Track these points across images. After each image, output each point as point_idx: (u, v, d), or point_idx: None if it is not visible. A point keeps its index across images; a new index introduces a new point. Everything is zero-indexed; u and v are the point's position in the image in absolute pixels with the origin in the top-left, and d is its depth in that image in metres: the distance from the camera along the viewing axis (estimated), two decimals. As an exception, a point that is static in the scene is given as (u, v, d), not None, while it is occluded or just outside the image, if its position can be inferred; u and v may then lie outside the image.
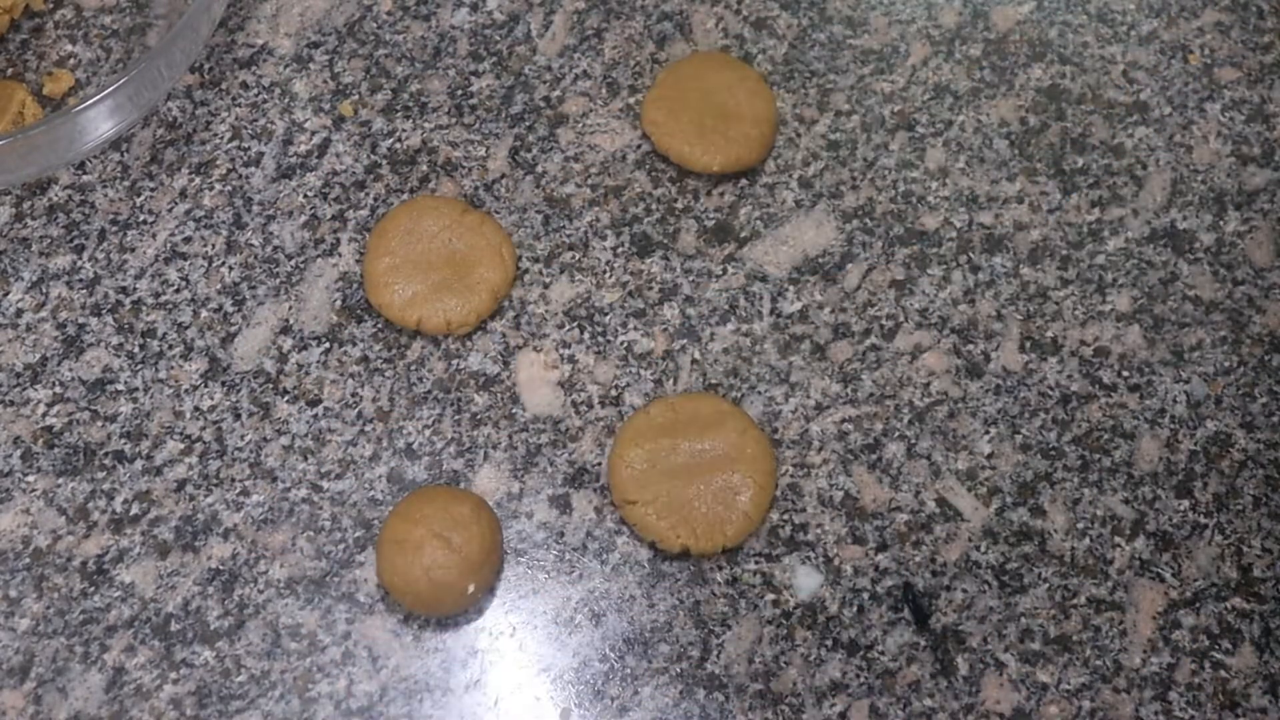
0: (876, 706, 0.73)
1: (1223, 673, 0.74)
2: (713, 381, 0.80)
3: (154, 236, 0.85)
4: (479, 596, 0.74)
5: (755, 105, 0.87)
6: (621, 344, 0.82)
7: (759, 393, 0.80)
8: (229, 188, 0.86)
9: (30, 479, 0.78)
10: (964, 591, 0.75)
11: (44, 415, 0.79)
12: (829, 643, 0.74)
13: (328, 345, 0.82)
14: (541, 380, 0.81)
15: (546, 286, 0.83)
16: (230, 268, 0.84)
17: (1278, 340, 0.82)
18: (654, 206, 0.86)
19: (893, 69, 0.90)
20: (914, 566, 0.76)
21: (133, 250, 0.84)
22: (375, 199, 0.86)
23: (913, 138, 0.88)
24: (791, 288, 0.83)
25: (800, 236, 0.85)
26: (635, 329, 0.82)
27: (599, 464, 0.78)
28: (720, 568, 0.76)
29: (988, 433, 0.80)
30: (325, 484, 0.78)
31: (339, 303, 0.83)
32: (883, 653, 0.74)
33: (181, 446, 0.79)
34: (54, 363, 0.81)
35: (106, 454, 0.78)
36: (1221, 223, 0.86)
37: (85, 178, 0.86)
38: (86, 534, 0.76)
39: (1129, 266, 0.84)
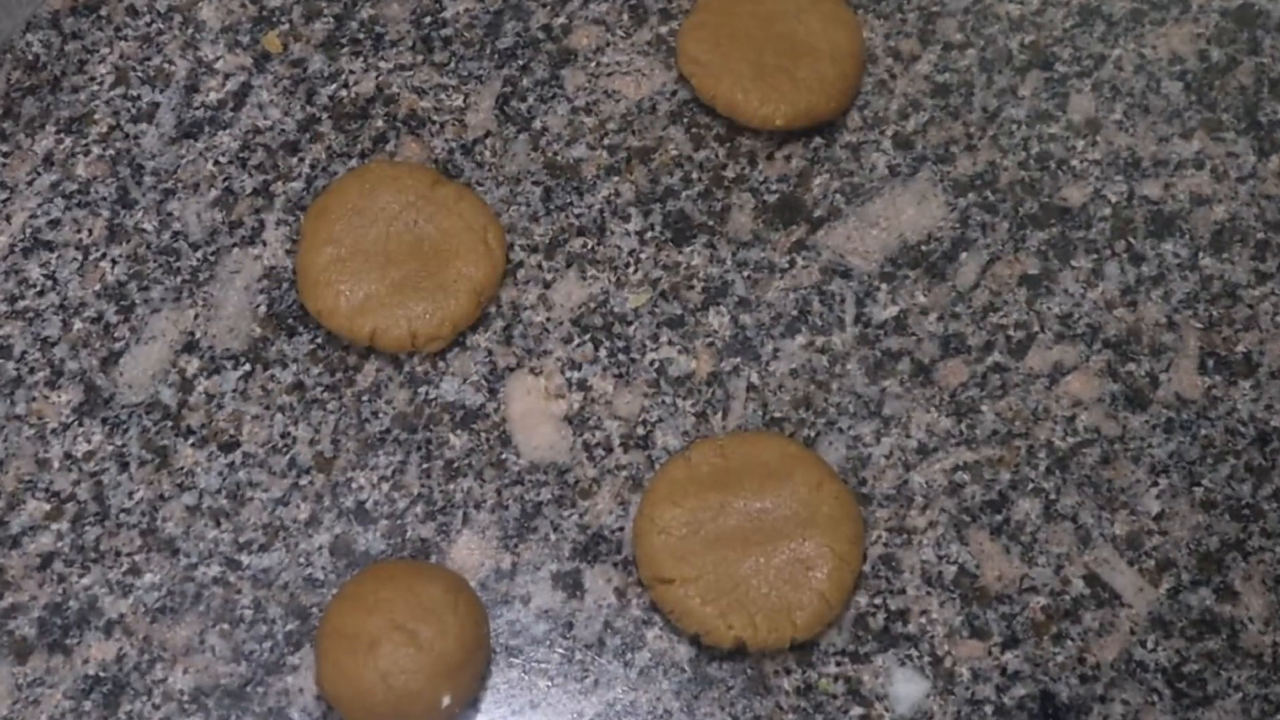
0: None
1: None
2: (776, 415, 0.81)
3: (8, 219, 0.85)
4: (456, 712, 0.74)
5: (833, 36, 0.87)
6: (651, 364, 0.82)
7: (840, 430, 0.81)
8: (111, 152, 0.87)
9: None
10: (1125, 704, 0.76)
11: None
12: (939, 775, 0.75)
13: (248, 368, 0.82)
14: (541, 414, 0.81)
15: (547, 286, 0.84)
16: (114, 262, 0.84)
17: None
18: (695, 175, 0.87)
19: (1021, -15, 0.91)
20: (1055, 670, 0.76)
21: (-20, 238, 0.85)
22: (313, 167, 0.87)
23: (1050, 79, 0.89)
24: (884, 286, 0.84)
25: (896, 216, 0.85)
26: (670, 343, 0.83)
27: (621, 529, 0.79)
28: (788, 671, 0.76)
29: (1156, 485, 0.80)
30: (245, 559, 0.78)
31: (263, 309, 0.83)
32: (1014, 789, 0.75)
33: (47, 508, 0.79)
34: (-127, 392, 0.82)
35: (-55, 517, 0.79)
36: None
37: (-85, 139, 0.88)
38: (-82, 627, 0.77)
39: (1350, 255, 0.85)
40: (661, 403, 0.81)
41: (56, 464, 0.80)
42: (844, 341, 0.82)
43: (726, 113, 0.86)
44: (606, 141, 0.87)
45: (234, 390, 0.81)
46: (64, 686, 0.76)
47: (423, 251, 0.82)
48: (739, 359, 0.82)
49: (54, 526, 0.79)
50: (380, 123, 0.87)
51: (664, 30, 0.90)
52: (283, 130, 0.87)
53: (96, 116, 0.88)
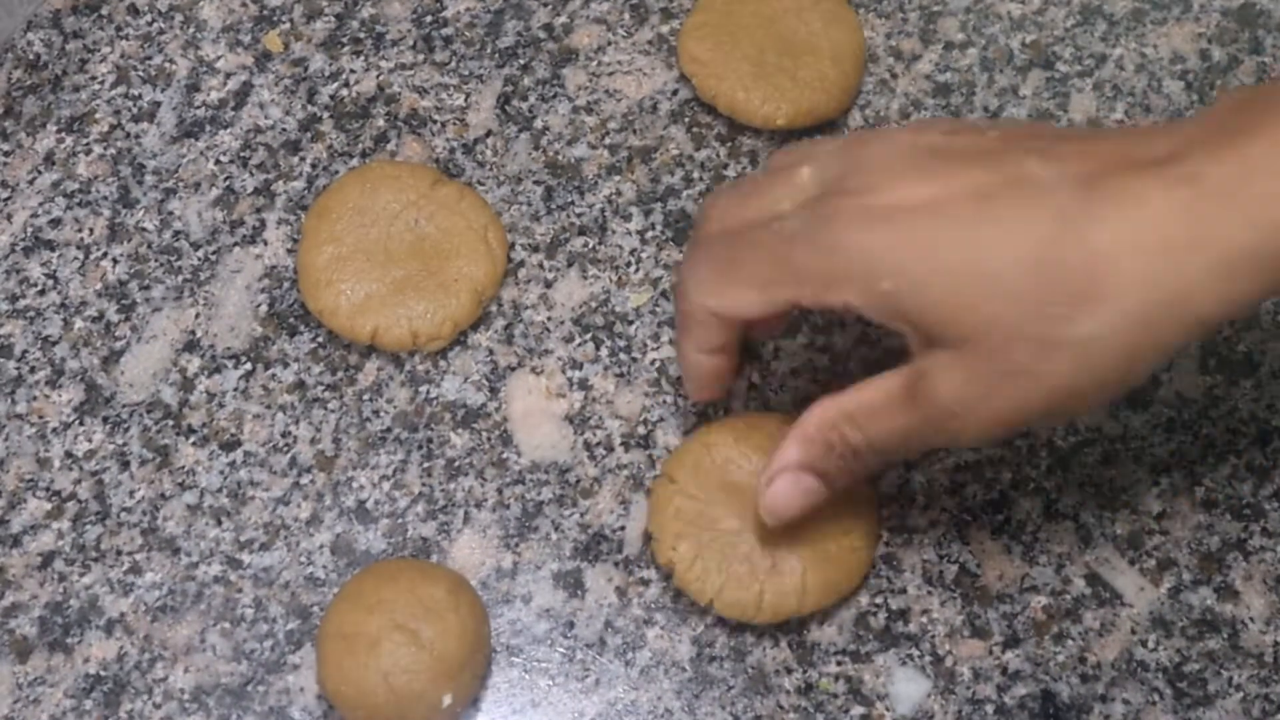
0: None
1: None
2: (777, 412, 0.81)
3: (9, 219, 0.85)
4: (458, 711, 0.74)
5: (835, 35, 0.87)
6: (652, 363, 0.82)
7: (842, 430, 0.81)
8: (113, 151, 0.87)
9: None
10: (1125, 703, 0.76)
11: None
12: (940, 774, 0.75)
13: (249, 367, 0.82)
14: (542, 414, 0.81)
15: (548, 285, 0.84)
16: (115, 261, 0.85)
17: None
18: (696, 175, 0.87)
19: (1023, -16, 0.91)
20: (1056, 669, 0.76)
21: (-19, 237, 0.85)
22: (314, 166, 0.87)
23: (1052, 79, 0.89)
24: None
25: (897, 215, 0.85)
26: (671, 343, 0.83)
27: (622, 528, 0.79)
28: (789, 670, 0.76)
29: (1157, 484, 0.80)
30: (246, 558, 0.78)
31: (264, 308, 0.84)
32: (1015, 788, 0.75)
33: (48, 507, 0.79)
34: (-126, 391, 0.82)
35: (-54, 516, 0.80)
36: None
37: (-84, 138, 0.88)
38: (-81, 626, 0.77)
39: (1351, 255, 0.85)
40: (663, 402, 0.81)
41: (57, 463, 0.80)
42: (844, 341, 0.82)
43: (728, 112, 0.86)
44: (608, 141, 0.87)
45: (235, 389, 0.81)
46: (65, 685, 0.76)
47: (424, 251, 0.82)
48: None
49: (55, 525, 0.79)
50: (381, 122, 0.88)
51: (665, 29, 0.90)
52: (284, 129, 0.87)
53: (98, 115, 0.88)
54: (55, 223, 0.85)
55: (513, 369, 0.82)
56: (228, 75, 0.89)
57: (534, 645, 0.77)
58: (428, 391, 0.81)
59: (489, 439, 0.80)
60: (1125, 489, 0.79)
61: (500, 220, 0.84)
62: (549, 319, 0.83)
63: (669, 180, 0.86)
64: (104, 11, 0.90)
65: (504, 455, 0.80)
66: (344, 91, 0.88)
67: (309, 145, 0.87)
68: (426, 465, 0.80)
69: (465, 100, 0.88)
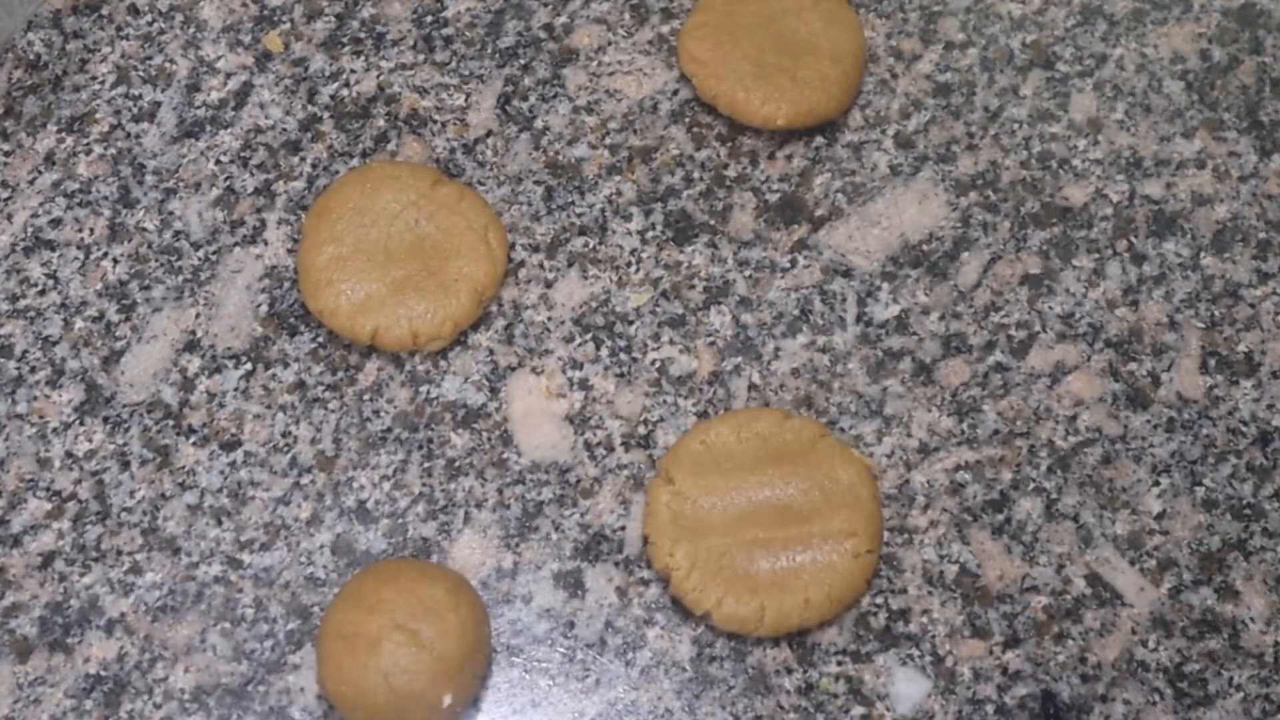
0: None
1: None
2: (777, 409, 0.81)
3: (9, 218, 0.85)
4: (458, 711, 0.74)
5: (835, 35, 0.87)
6: (653, 363, 0.82)
7: (841, 430, 0.81)
8: (113, 151, 0.87)
9: None
10: (1126, 703, 0.76)
11: None
12: (941, 774, 0.75)
13: (249, 367, 0.82)
14: (543, 413, 0.81)
15: (549, 285, 0.84)
16: (115, 261, 0.85)
17: None
18: (697, 175, 0.87)
19: (1023, -16, 0.91)
20: (1056, 669, 0.76)
21: (-18, 237, 0.85)
22: (314, 166, 0.87)
23: (1052, 79, 0.89)
24: (885, 285, 0.84)
25: (897, 215, 0.85)
26: (672, 343, 0.83)
27: (622, 528, 0.79)
28: (789, 670, 0.76)
29: (1157, 484, 0.80)
30: (246, 558, 0.78)
31: (265, 308, 0.84)
32: (1015, 788, 0.75)
33: (48, 507, 0.79)
34: (-125, 391, 0.82)
35: (-53, 516, 0.79)
36: None
37: (-84, 138, 0.88)
38: (-80, 626, 0.77)
39: (1351, 255, 0.85)
40: (663, 402, 0.81)
41: (58, 463, 0.80)
42: (845, 341, 0.82)
43: (728, 112, 0.86)
44: (608, 141, 0.87)
45: (235, 389, 0.81)
46: (65, 685, 0.76)
47: (424, 251, 0.82)
48: (740, 358, 0.82)
49: (55, 525, 0.79)
50: (381, 122, 0.88)
51: (665, 29, 0.90)
52: (284, 129, 0.87)
53: (98, 115, 0.88)
54: (55, 223, 0.85)
55: (513, 369, 0.82)
56: (228, 75, 0.89)
57: (534, 645, 0.76)
58: (428, 391, 0.81)
59: (489, 439, 0.80)
60: (1125, 489, 0.79)
61: (500, 220, 0.84)
62: (549, 319, 0.83)
63: (669, 180, 0.86)
64: (104, 11, 0.90)
65: (504, 455, 0.80)
66: (344, 91, 0.88)
67: (309, 145, 0.87)
68: (427, 465, 0.80)
69: (465, 100, 0.88)
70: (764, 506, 0.77)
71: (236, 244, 0.85)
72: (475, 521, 0.79)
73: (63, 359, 0.82)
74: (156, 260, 0.84)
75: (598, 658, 0.76)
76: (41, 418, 0.81)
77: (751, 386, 0.82)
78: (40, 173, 0.86)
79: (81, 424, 0.81)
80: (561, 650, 0.76)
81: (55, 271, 0.84)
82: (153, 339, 0.82)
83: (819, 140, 0.87)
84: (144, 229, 0.85)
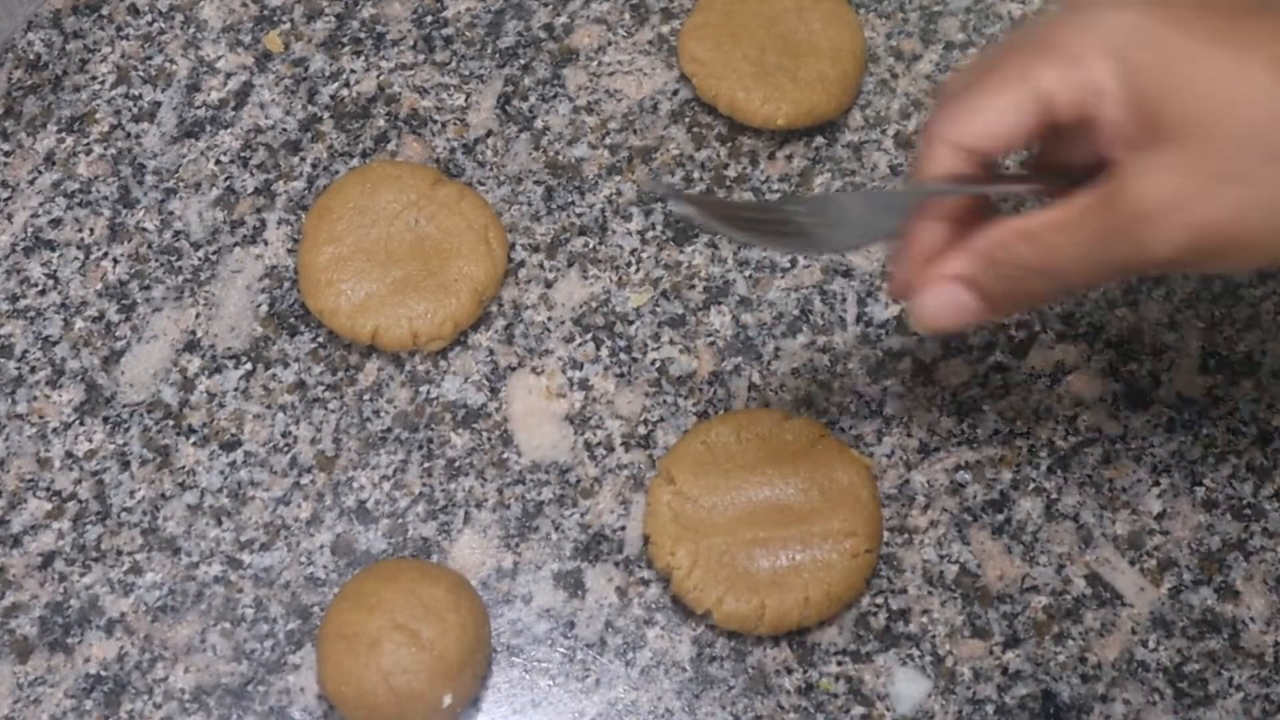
0: None
1: None
2: (777, 410, 0.81)
3: (9, 218, 0.85)
4: (458, 711, 0.74)
5: (835, 35, 0.87)
6: (652, 363, 0.82)
7: (842, 430, 0.81)
8: (113, 151, 0.87)
9: None
10: (1126, 703, 0.76)
11: None
12: (941, 774, 0.75)
13: (249, 367, 0.82)
14: (543, 414, 0.81)
15: (549, 285, 0.84)
16: (115, 261, 0.85)
17: None
18: (697, 174, 0.87)
19: (1023, -16, 0.91)
20: (1056, 669, 0.76)
21: (-18, 237, 0.85)
22: (314, 166, 0.87)
23: (1051, 79, 0.89)
24: (886, 285, 0.84)
25: (897, 215, 0.85)
26: (672, 343, 0.83)
27: (622, 528, 0.79)
28: (789, 670, 0.76)
29: (1157, 484, 0.80)
30: (246, 558, 0.78)
31: (265, 308, 0.84)
32: (1015, 788, 0.75)
33: (48, 507, 0.79)
34: (-125, 391, 0.82)
35: (-53, 516, 0.80)
36: None
37: (-84, 138, 0.88)
38: (-80, 626, 0.77)
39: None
40: (663, 402, 0.81)
41: (58, 463, 0.80)
42: (845, 341, 0.82)
43: (728, 112, 0.86)
44: (608, 141, 0.87)
45: (235, 389, 0.81)
46: (65, 685, 0.76)
47: (424, 251, 0.82)
48: (740, 358, 0.82)
49: (55, 525, 0.79)
50: (382, 122, 0.87)
51: (665, 30, 0.90)
52: (284, 129, 0.87)
53: (98, 115, 0.88)
54: (56, 223, 0.85)
55: (513, 369, 0.82)
56: (228, 75, 0.89)
57: (534, 645, 0.76)
58: (428, 391, 0.81)
59: (489, 439, 0.80)
60: (1125, 489, 0.79)
61: (500, 220, 0.84)
62: (549, 319, 0.83)
63: (669, 180, 0.86)
64: (104, 11, 0.90)
65: (504, 455, 0.80)
66: (344, 91, 0.88)
67: (309, 145, 0.87)
68: (427, 465, 0.80)
69: (465, 100, 0.88)
70: (764, 506, 0.77)
71: (236, 244, 0.85)
72: (475, 521, 0.79)
73: (63, 359, 0.82)
74: (156, 260, 0.84)
75: (598, 658, 0.76)
76: (41, 418, 0.81)
77: (751, 386, 0.82)
78: (40, 173, 0.86)
79: (81, 424, 0.81)
80: (561, 650, 0.76)
81: (55, 271, 0.84)
82: (153, 339, 0.82)
83: (819, 140, 0.87)
84: (144, 229, 0.85)
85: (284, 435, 0.80)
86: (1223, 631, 0.77)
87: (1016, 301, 0.68)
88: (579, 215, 0.85)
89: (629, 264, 0.84)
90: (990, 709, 0.75)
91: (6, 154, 0.87)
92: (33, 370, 0.82)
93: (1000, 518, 0.79)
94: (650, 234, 0.85)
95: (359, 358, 0.82)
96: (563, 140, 0.87)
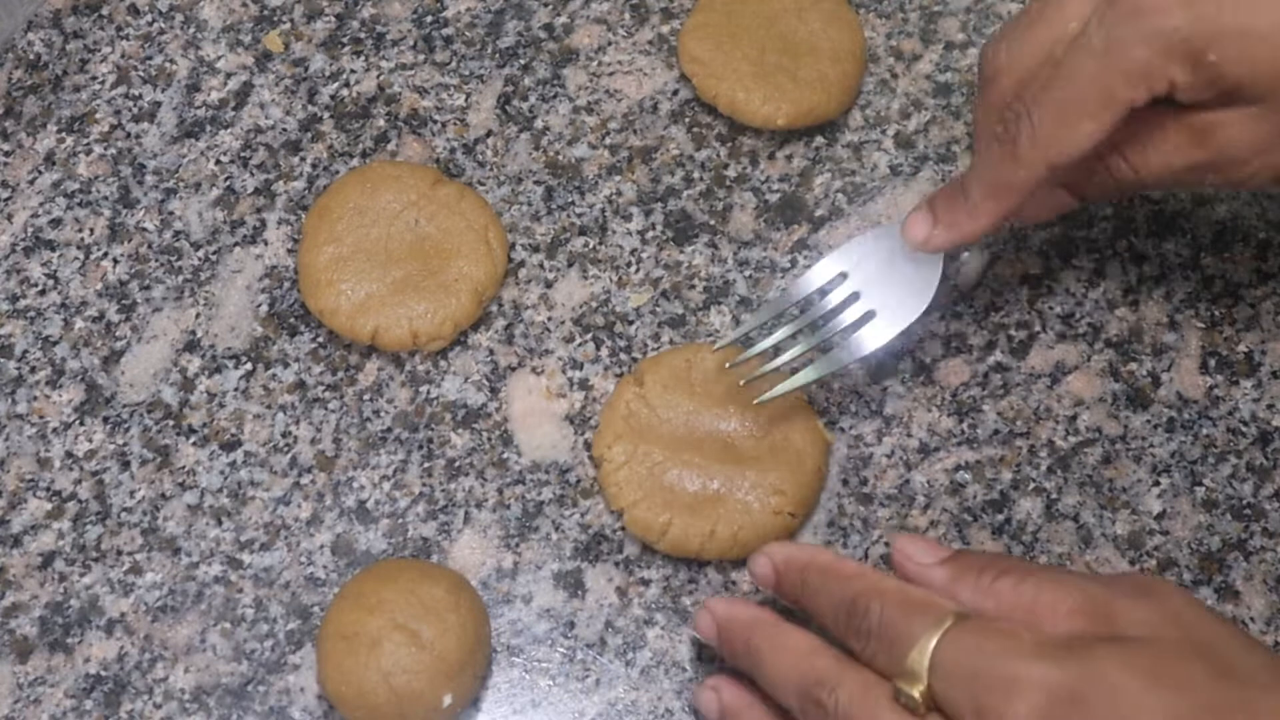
0: None
1: None
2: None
3: (9, 218, 0.85)
4: (458, 711, 0.74)
5: (835, 35, 0.87)
6: (652, 363, 0.82)
7: (841, 429, 0.81)
8: (113, 151, 0.87)
9: None
10: (1127, 704, 0.76)
11: None
12: (941, 775, 0.75)
13: (249, 367, 0.82)
14: (543, 413, 0.81)
15: (549, 285, 0.84)
16: (115, 261, 0.85)
17: None
18: (697, 175, 0.87)
19: (1023, -16, 0.91)
20: (1057, 669, 0.76)
21: (-18, 237, 0.85)
22: (314, 166, 0.87)
23: (1051, 79, 0.89)
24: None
25: (898, 216, 0.85)
26: (672, 343, 0.83)
27: (622, 528, 0.79)
28: (790, 671, 0.76)
29: (1157, 484, 0.80)
30: (246, 558, 0.78)
31: (265, 308, 0.83)
32: (1015, 788, 0.75)
33: (48, 507, 0.79)
34: (-125, 391, 0.82)
35: (-54, 516, 0.80)
36: None
37: (-84, 138, 0.88)
38: (-80, 626, 0.77)
39: (1351, 255, 0.85)
40: (663, 402, 0.81)
41: (58, 463, 0.80)
42: (845, 341, 0.82)
43: (728, 112, 0.86)
44: (608, 141, 0.87)
45: (235, 389, 0.81)
46: (65, 685, 0.76)
47: (424, 251, 0.82)
48: (740, 358, 0.82)
49: (55, 525, 0.79)
50: (382, 122, 0.87)
51: (665, 30, 0.90)
52: (284, 129, 0.87)
53: (98, 115, 0.88)
54: (56, 223, 0.85)
55: (513, 369, 0.82)
56: (228, 75, 0.89)
57: (534, 645, 0.76)
58: (428, 391, 0.81)
59: (489, 439, 0.80)
60: (1125, 489, 0.79)
61: (500, 220, 0.84)
62: (549, 319, 0.83)
63: (669, 180, 0.86)
64: (104, 11, 0.90)
65: (504, 455, 0.80)
66: (344, 91, 0.88)
67: (309, 145, 0.87)
68: (427, 465, 0.80)
69: (466, 100, 0.88)
70: (712, 437, 0.78)
71: (236, 244, 0.85)
72: (475, 521, 0.79)
73: (63, 359, 0.82)
74: (156, 260, 0.84)
75: (598, 658, 0.76)
76: (41, 418, 0.81)
77: (751, 386, 0.81)
78: (40, 173, 0.86)
79: (81, 424, 0.81)
80: (561, 650, 0.76)
81: (55, 271, 0.84)
82: (153, 339, 0.82)
83: (819, 140, 0.87)
84: (144, 229, 0.85)
85: (284, 435, 0.80)
86: (1223, 631, 0.77)
87: (1107, 194, 0.76)
88: (579, 215, 0.85)
89: (629, 264, 0.84)
90: (990, 709, 0.75)
91: (6, 154, 0.87)
92: (33, 370, 0.82)
93: (1000, 518, 0.79)
94: (650, 234, 0.85)
95: (359, 358, 0.82)
96: (563, 140, 0.87)
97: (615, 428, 0.79)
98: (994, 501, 0.79)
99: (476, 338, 0.82)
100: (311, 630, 0.77)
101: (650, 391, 0.79)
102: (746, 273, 0.84)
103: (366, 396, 0.81)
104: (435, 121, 0.88)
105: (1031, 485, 0.80)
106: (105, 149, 0.87)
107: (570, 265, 0.84)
